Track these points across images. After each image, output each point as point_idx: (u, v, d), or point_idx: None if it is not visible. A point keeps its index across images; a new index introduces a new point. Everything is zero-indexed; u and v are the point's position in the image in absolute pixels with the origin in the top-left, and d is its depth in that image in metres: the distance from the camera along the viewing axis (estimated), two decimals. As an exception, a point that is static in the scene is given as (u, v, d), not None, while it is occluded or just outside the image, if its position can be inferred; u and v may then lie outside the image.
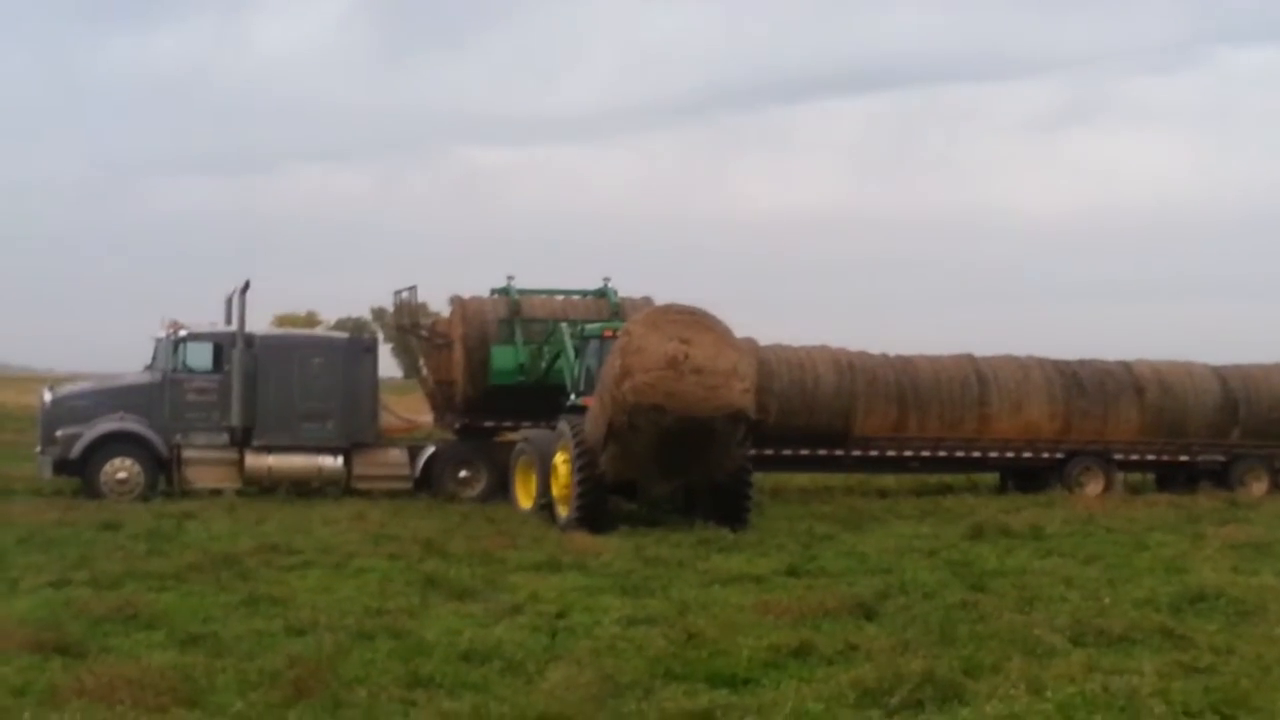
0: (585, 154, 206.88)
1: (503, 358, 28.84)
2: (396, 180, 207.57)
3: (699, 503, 23.75)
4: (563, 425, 23.99)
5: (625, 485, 23.74)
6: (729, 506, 23.18)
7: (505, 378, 28.71)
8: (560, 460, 23.71)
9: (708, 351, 21.73)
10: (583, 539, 21.06)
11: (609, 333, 24.23)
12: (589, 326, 25.82)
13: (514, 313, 29.52)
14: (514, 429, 29.31)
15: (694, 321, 22.09)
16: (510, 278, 30.30)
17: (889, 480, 32.78)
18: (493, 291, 30.52)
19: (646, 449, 22.13)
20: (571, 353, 26.05)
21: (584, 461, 22.82)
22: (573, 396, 25.21)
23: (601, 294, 30.36)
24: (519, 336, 29.05)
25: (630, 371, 21.50)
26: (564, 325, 27.09)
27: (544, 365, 27.83)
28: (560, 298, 30.86)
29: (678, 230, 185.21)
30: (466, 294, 30.61)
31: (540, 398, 27.17)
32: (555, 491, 23.88)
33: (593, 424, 22.80)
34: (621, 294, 30.29)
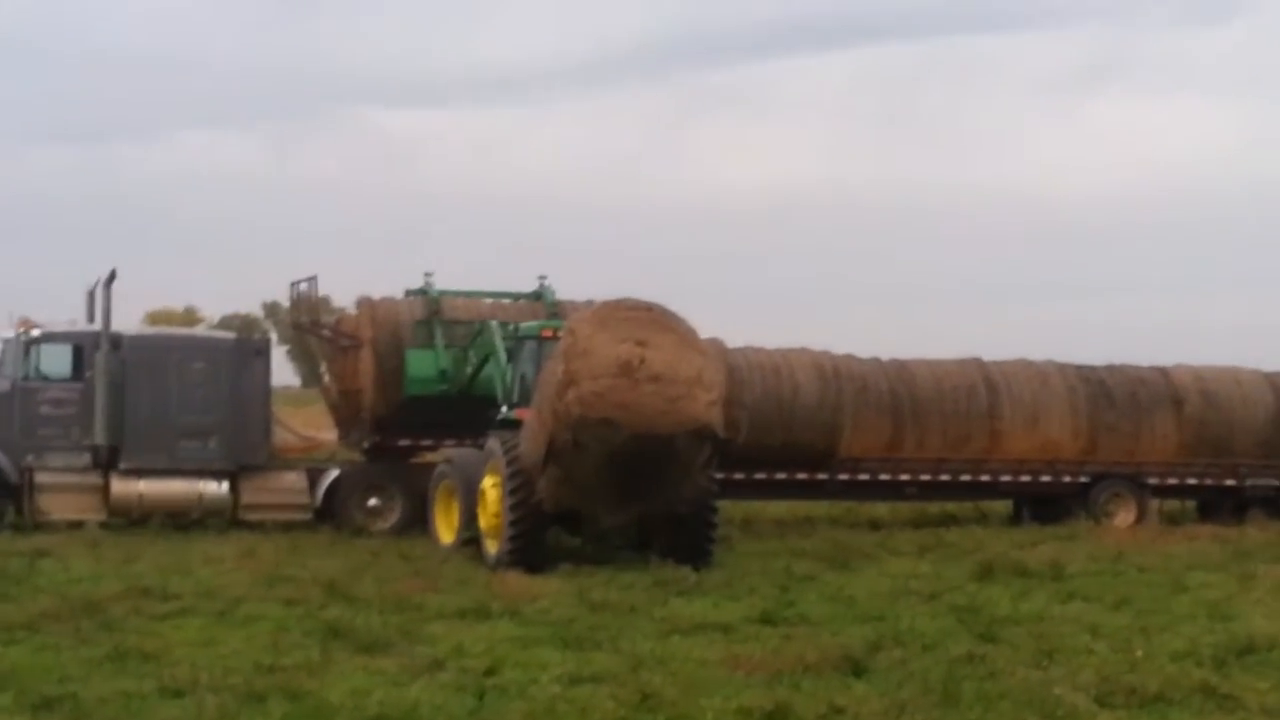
0: (516, 118, 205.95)
1: (420, 363, 28.84)
2: (292, 150, 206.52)
3: (655, 537, 23.77)
4: (492, 443, 23.97)
5: (568, 515, 23.71)
6: (690, 541, 23.24)
7: (424, 386, 28.71)
8: (489, 485, 23.69)
9: (667, 355, 21.75)
10: (516, 580, 21.09)
11: (549, 332, 24.27)
12: (525, 325, 25.84)
13: (433, 313, 29.53)
14: (434, 449, 29.30)
15: (651, 320, 22.11)
16: (429, 275, 30.44)
17: (882, 510, 32.91)
18: (408, 293, 30.55)
19: (594, 472, 22.10)
20: (503, 355, 26.06)
21: (517, 485, 22.80)
22: (504, 409, 25.20)
23: (537, 296, 30.44)
24: (439, 339, 29.04)
25: (575, 379, 21.48)
26: (494, 323, 27.12)
27: (469, 371, 27.85)
28: (489, 301, 30.90)
29: (627, 211, 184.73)
30: (377, 295, 30.69)
31: (464, 411, 27.18)
32: (483, 523, 23.87)
33: (529, 442, 22.78)
34: (561, 296, 30.33)
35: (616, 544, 24.55)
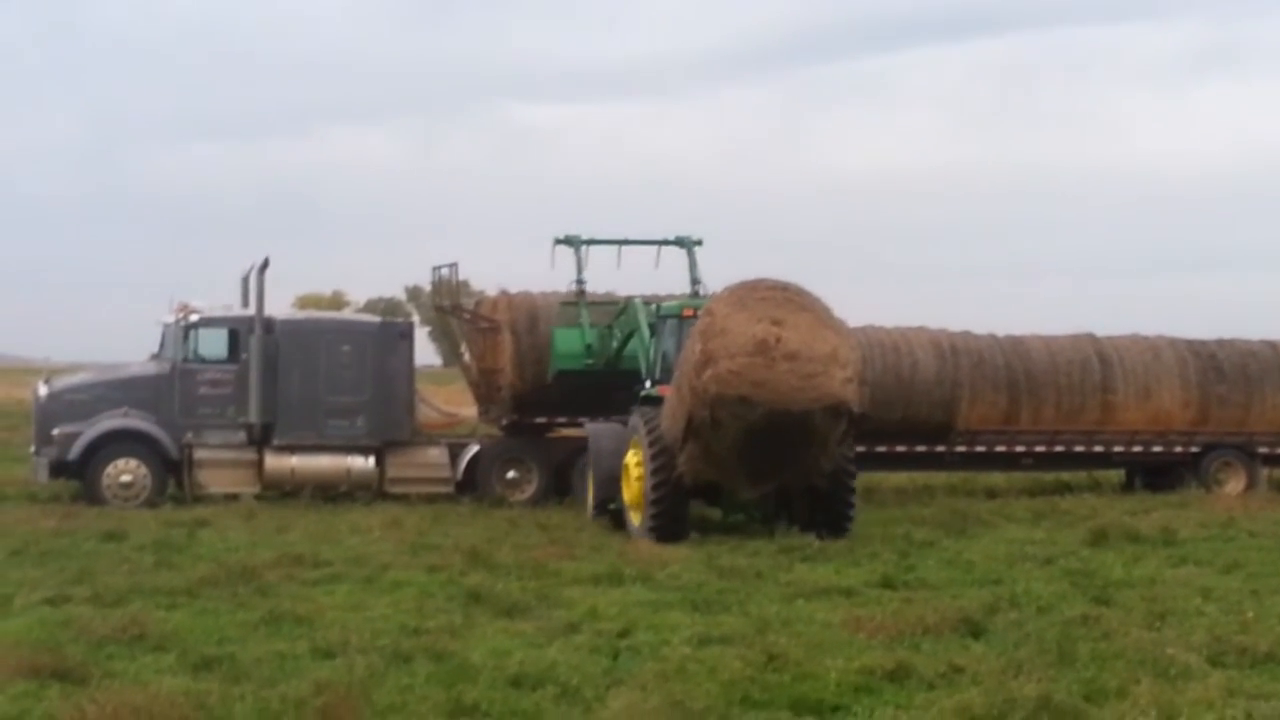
0: (647, 111, 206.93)
1: (567, 340, 28.81)
2: (434, 143, 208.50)
3: (793, 509, 23.48)
4: (635, 420, 23.81)
5: (708, 488, 23.53)
6: (828, 513, 22.95)
7: (570, 361, 28.66)
8: (633, 460, 23.56)
9: (803, 334, 21.48)
10: (648, 548, 21.13)
11: (689, 311, 24.02)
12: (666, 305, 25.67)
13: (579, 294, 29.40)
14: (569, 425, 29.37)
15: (786, 299, 21.86)
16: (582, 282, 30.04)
17: (998, 479, 32.73)
18: (563, 305, 30.36)
19: (732, 448, 21.82)
20: (647, 332, 25.91)
21: (658, 459, 22.60)
22: (647, 384, 25.05)
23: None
24: (585, 318, 28.99)
25: (713, 358, 21.26)
26: (637, 301, 26.98)
27: (615, 346, 27.81)
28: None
29: (754, 198, 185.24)
30: (514, 289, 30.80)
31: (604, 391, 27.22)
32: (627, 497, 23.74)
33: (669, 418, 22.56)
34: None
35: (755, 516, 24.08)
